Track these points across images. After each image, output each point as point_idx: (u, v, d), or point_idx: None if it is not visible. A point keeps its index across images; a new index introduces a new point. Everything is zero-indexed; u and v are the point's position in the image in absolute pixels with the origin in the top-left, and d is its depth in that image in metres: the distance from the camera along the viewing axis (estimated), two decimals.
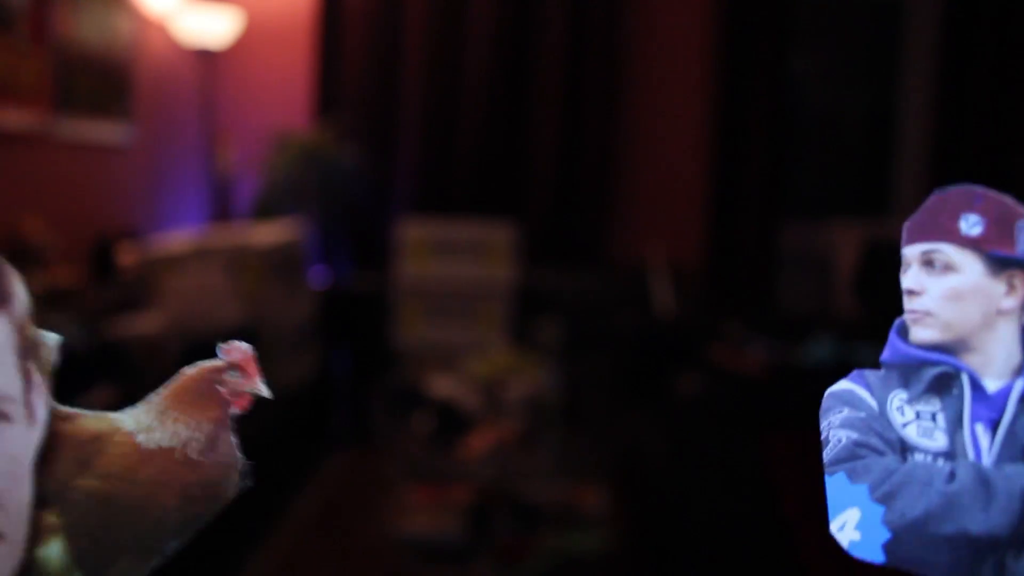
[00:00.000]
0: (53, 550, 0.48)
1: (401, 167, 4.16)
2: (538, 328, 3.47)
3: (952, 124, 4.06)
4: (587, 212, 4.12)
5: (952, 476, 0.38)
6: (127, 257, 3.21)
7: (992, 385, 0.40)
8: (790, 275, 4.13)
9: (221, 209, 4.21)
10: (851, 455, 0.40)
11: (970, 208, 0.41)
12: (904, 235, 0.41)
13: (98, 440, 0.50)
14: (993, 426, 0.38)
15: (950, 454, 0.39)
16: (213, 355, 0.54)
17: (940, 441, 0.39)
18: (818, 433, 0.43)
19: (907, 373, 0.41)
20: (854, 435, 0.40)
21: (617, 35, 4.13)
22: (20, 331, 0.50)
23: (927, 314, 0.41)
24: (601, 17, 4.09)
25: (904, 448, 0.40)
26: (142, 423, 0.51)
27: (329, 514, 2.93)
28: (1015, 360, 0.40)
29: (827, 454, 0.40)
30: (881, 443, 0.40)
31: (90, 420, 0.52)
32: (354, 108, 4.13)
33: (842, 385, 0.42)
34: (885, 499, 0.39)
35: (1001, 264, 0.40)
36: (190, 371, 0.51)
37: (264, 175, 3.98)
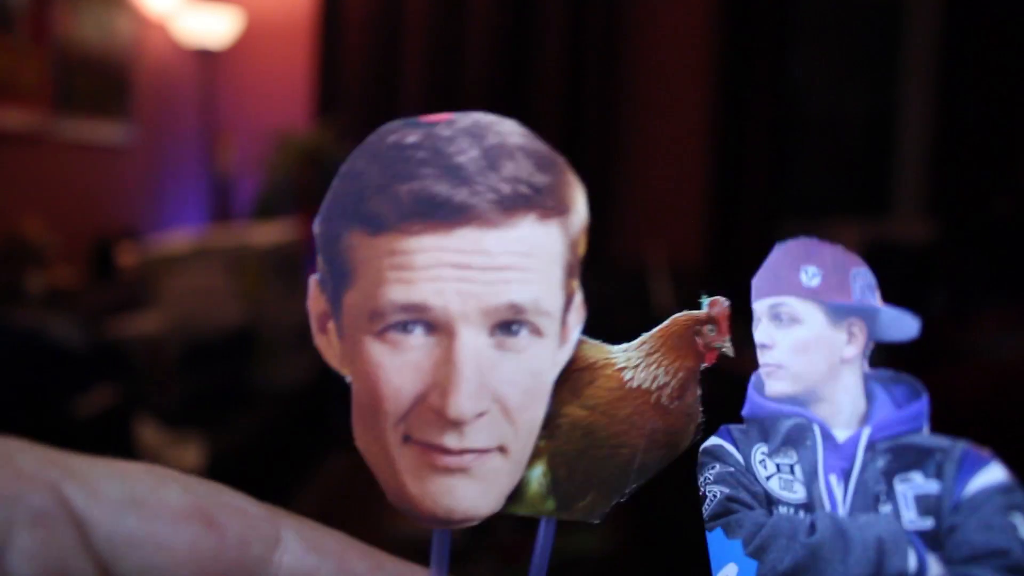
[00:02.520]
0: (535, 473, 0.47)
1: None
2: None
3: (952, 124, 4.06)
4: (587, 212, 4.12)
5: (813, 528, 0.39)
6: (127, 257, 3.21)
7: (841, 435, 0.42)
8: None
9: (221, 209, 4.21)
10: (725, 510, 0.42)
11: (808, 260, 0.43)
12: (752, 290, 0.42)
13: (592, 369, 0.49)
14: (845, 476, 0.39)
15: (809, 506, 0.40)
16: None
17: (799, 493, 0.40)
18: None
19: (765, 426, 0.43)
20: (726, 490, 0.41)
21: (617, 35, 4.13)
22: (572, 247, 0.49)
23: (778, 367, 0.43)
24: (601, 17, 4.09)
25: (769, 501, 0.41)
26: (631, 359, 0.49)
27: (329, 514, 2.93)
28: (860, 408, 0.40)
29: (705, 510, 0.42)
30: (750, 497, 0.41)
31: (588, 347, 0.50)
32: (354, 108, 4.13)
33: (712, 440, 0.44)
34: (757, 553, 0.40)
35: (840, 313, 0.42)
36: (680, 316, 0.50)
37: (264, 175, 3.98)
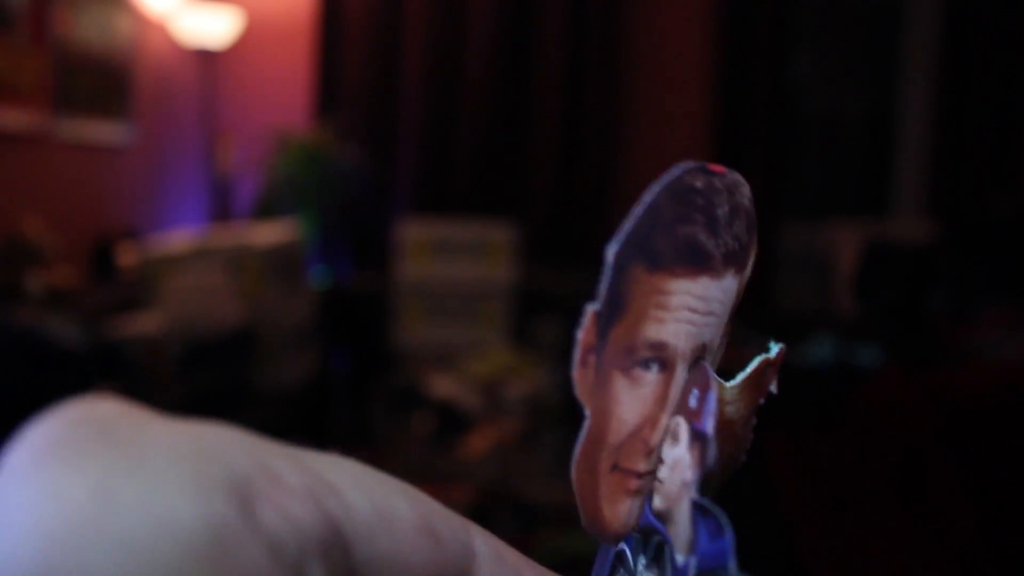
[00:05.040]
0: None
1: (401, 167, 4.16)
2: (538, 328, 3.47)
3: (952, 124, 4.06)
4: (587, 212, 4.12)
5: None
6: (127, 257, 3.21)
7: (680, 559, 0.44)
8: (790, 275, 4.13)
9: (221, 209, 4.21)
10: None
11: (693, 382, 0.46)
12: None
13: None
14: None
15: None
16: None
17: None
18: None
19: (646, 538, 0.46)
20: None
21: (617, 35, 4.13)
22: (739, 295, 0.55)
23: (661, 483, 0.45)
24: (601, 17, 4.09)
25: None
26: (730, 395, 0.55)
27: None
28: (690, 534, 0.43)
29: None
30: None
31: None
32: (354, 108, 4.13)
33: (621, 546, 0.47)
34: None
35: (693, 435, 0.44)
36: (763, 359, 0.56)
37: (264, 175, 3.98)
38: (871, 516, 1.82)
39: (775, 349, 0.55)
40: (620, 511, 0.52)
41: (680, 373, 0.50)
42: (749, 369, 0.55)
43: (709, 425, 0.44)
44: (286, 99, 4.28)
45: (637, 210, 0.54)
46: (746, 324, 3.53)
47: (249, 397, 2.96)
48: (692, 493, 0.43)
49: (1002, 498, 1.75)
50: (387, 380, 3.30)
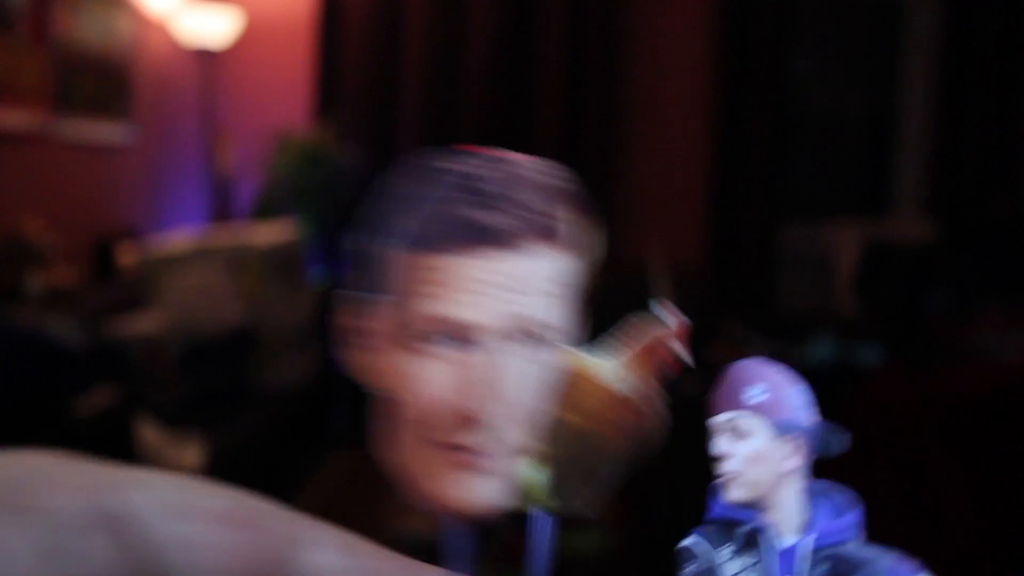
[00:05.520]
0: (541, 476, 0.53)
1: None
2: None
3: (952, 124, 4.06)
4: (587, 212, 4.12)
5: None
6: (127, 257, 3.21)
7: (789, 540, 0.47)
8: (790, 275, 4.13)
9: (221, 209, 4.21)
10: None
11: (756, 379, 0.48)
12: (712, 406, 0.47)
13: (587, 380, 0.55)
14: None
15: None
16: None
17: None
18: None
19: (728, 529, 0.48)
20: None
21: (617, 35, 4.13)
22: (581, 271, 0.56)
23: (734, 476, 0.48)
24: (601, 17, 4.09)
25: None
26: (617, 373, 0.56)
27: (329, 514, 2.93)
28: (803, 516, 0.45)
29: None
30: None
31: (586, 361, 0.57)
32: (354, 108, 4.13)
33: (688, 539, 0.49)
34: None
35: (783, 428, 0.47)
36: (654, 331, 0.57)
37: (264, 175, 3.98)
38: (871, 515, 1.81)
39: (668, 320, 0.56)
40: (454, 487, 0.53)
41: (492, 346, 0.49)
42: (637, 346, 0.57)
43: (801, 418, 0.45)
44: (286, 99, 4.28)
45: (375, 199, 0.56)
46: (746, 324, 3.54)
47: (249, 397, 2.96)
48: (802, 479, 0.45)
49: (1002, 497, 1.75)
50: None
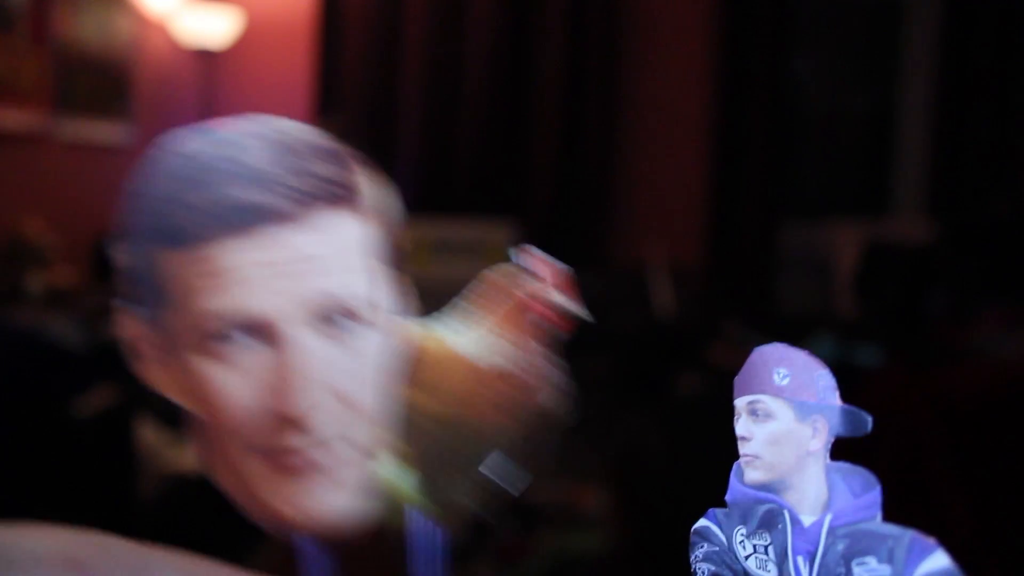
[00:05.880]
0: (404, 475, 0.47)
1: (401, 167, 4.16)
2: None
3: (952, 124, 4.06)
4: (587, 212, 4.12)
5: None
6: None
7: (807, 520, 0.47)
8: (790, 275, 4.13)
9: None
10: None
11: (780, 363, 0.49)
12: (734, 388, 0.47)
13: (444, 359, 0.48)
14: (811, 558, 0.45)
15: None
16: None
17: (772, 573, 0.45)
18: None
19: (744, 510, 0.49)
20: (713, 568, 0.47)
21: (617, 35, 4.13)
22: (386, 238, 0.50)
23: (755, 457, 0.48)
24: (601, 17, 4.09)
25: None
26: (480, 342, 0.49)
27: None
28: (823, 496, 0.46)
29: None
30: (731, 574, 0.47)
31: (432, 339, 0.50)
32: (354, 108, 4.13)
33: (701, 522, 0.50)
34: None
35: (805, 410, 0.48)
36: (521, 285, 0.49)
37: None
38: None
39: (540, 271, 0.50)
40: (289, 495, 0.46)
41: (292, 333, 0.44)
42: (498, 314, 0.51)
43: (824, 400, 0.45)
44: (286, 99, 4.28)
45: (125, 205, 0.50)
46: (746, 324, 3.53)
47: None
48: (825, 459, 0.45)
49: (1001, 497, 1.75)
50: None
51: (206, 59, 4.09)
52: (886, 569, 0.43)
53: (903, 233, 3.80)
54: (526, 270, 0.48)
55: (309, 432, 0.45)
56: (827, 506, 0.45)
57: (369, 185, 0.48)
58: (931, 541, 0.44)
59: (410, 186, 4.16)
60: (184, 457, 2.37)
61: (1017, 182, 3.96)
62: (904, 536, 0.44)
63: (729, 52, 4.08)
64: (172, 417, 2.52)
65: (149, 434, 2.32)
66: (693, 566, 0.47)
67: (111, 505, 2.06)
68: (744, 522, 0.47)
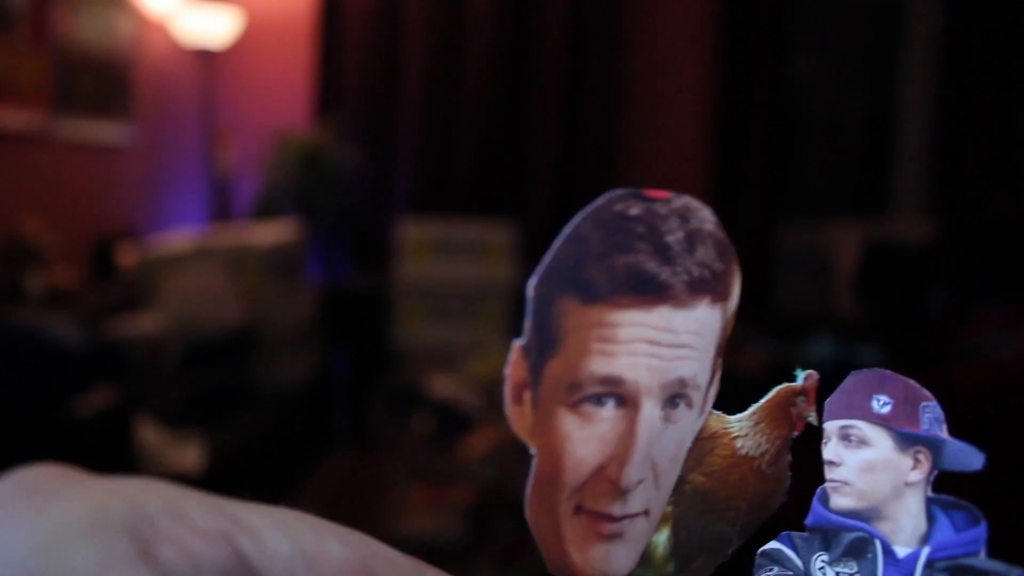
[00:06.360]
0: (662, 537, 0.48)
1: (401, 167, 4.16)
2: None
3: (952, 124, 4.06)
4: None
5: None
6: (127, 257, 3.21)
7: (901, 551, 0.45)
8: (790, 275, 4.13)
9: (221, 209, 4.21)
10: None
11: (881, 389, 0.47)
12: (825, 411, 0.46)
13: (713, 438, 0.50)
14: None
15: None
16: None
17: None
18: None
19: (828, 537, 0.47)
20: None
21: (617, 35, 4.13)
22: (725, 327, 0.51)
23: (844, 483, 0.47)
24: (601, 17, 4.09)
25: None
26: (743, 429, 0.51)
27: (329, 514, 2.93)
28: (921, 529, 0.46)
29: None
30: None
31: (712, 418, 0.54)
32: (354, 108, 4.13)
33: (772, 544, 0.48)
34: None
35: (908, 440, 0.46)
36: (782, 388, 0.53)
37: (264, 175, 3.98)
38: None
39: (801, 377, 0.53)
40: (594, 557, 0.49)
41: (648, 409, 0.46)
42: (764, 400, 0.53)
43: (929, 432, 0.44)
44: (286, 99, 4.28)
45: (558, 241, 0.52)
46: (746, 324, 3.54)
47: (249, 397, 2.96)
48: (926, 492, 0.44)
49: (1001, 498, 1.75)
50: (387, 380, 3.30)
51: (206, 59, 4.09)
52: None
53: (903, 233, 3.80)
54: (804, 392, 0.52)
55: (628, 503, 0.48)
56: (926, 539, 0.45)
57: (737, 282, 0.50)
58: None
59: (409, 186, 4.16)
60: (184, 457, 2.37)
61: (1017, 182, 3.96)
62: (1011, 573, 0.43)
63: (729, 52, 4.08)
64: (172, 417, 2.52)
65: (149, 434, 2.32)
66: None
67: None
68: (826, 549, 0.47)
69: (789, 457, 0.51)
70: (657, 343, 0.46)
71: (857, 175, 4.53)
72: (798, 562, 0.45)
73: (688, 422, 0.48)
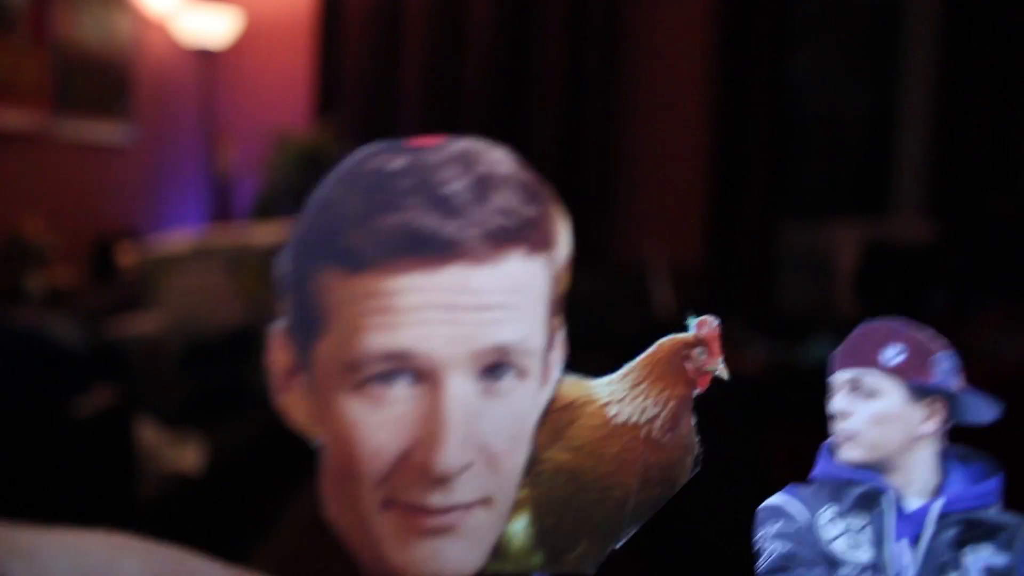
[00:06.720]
0: (519, 526, 0.44)
1: None
2: None
3: (952, 124, 4.06)
4: (587, 212, 4.12)
5: None
6: (127, 257, 3.21)
7: (913, 503, 0.45)
8: (790, 275, 4.13)
9: (221, 209, 4.21)
10: (781, 567, 0.44)
11: (893, 340, 0.46)
12: (833, 363, 0.44)
13: (572, 408, 0.45)
14: (914, 542, 0.42)
15: (876, 567, 0.43)
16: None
17: (867, 554, 0.43)
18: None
19: (836, 489, 0.46)
20: (788, 546, 0.43)
21: (617, 35, 4.13)
22: (555, 282, 0.45)
23: (854, 434, 0.45)
24: (601, 17, 4.09)
25: (832, 561, 0.44)
26: (615, 393, 0.46)
27: None
28: (934, 481, 0.45)
29: (760, 564, 0.44)
30: (812, 555, 0.44)
31: (567, 384, 0.47)
32: (354, 108, 4.13)
33: (776, 498, 0.47)
34: None
35: (920, 392, 0.45)
36: (665, 342, 0.47)
37: (264, 175, 3.98)
38: None
39: (693, 325, 0.48)
40: (418, 556, 0.41)
41: (455, 384, 0.40)
42: (641, 357, 0.48)
43: (942, 383, 0.42)
44: (286, 99, 4.28)
45: (307, 211, 0.46)
46: (746, 324, 3.53)
47: (249, 397, 2.96)
48: (940, 443, 0.42)
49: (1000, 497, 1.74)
50: None
51: (206, 59, 4.09)
52: (1004, 557, 0.41)
53: (903, 233, 3.80)
54: (700, 342, 0.46)
55: (453, 492, 0.41)
56: (939, 491, 0.43)
57: (562, 227, 0.44)
58: None
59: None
60: (184, 457, 2.37)
61: (1017, 182, 3.96)
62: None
63: (729, 52, 4.08)
64: (172, 417, 2.52)
65: (149, 434, 2.32)
66: (760, 543, 0.44)
67: (111, 505, 2.06)
68: (834, 501, 0.44)
69: (693, 420, 0.46)
70: (453, 307, 0.40)
71: (857, 175, 4.53)
72: (805, 514, 0.43)
73: (523, 394, 0.42)
